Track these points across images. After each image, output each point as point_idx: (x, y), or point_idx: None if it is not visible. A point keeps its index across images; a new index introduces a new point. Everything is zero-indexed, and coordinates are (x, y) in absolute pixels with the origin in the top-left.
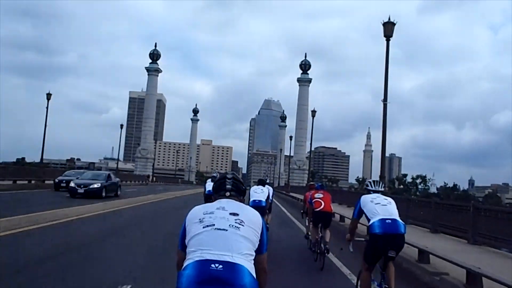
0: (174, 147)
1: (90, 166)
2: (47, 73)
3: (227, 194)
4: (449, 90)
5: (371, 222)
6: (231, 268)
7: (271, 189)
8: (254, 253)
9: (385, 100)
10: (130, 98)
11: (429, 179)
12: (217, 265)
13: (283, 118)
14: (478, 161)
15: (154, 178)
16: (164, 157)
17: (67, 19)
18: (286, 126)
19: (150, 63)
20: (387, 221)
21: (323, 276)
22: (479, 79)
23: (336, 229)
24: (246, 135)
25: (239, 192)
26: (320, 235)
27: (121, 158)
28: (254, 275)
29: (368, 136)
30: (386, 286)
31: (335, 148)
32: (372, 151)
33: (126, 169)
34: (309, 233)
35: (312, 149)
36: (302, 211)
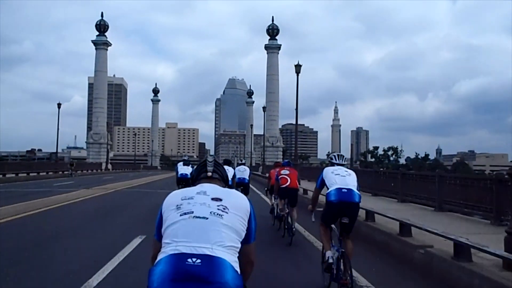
0: (139, 131)
1: (51, 156)
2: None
3: (209, 174)
4: (410, 61)
5: (328, 190)
6: (211, 262)
7: (247, 169)
8: (239, 244)
9: None
10: (89, 84)
11: (400, 150)
12: (194, 259)
13: (250, 94)
14: (443, 130)
15: (110, 166)
16: (129, 143)
17: (17, 6)
18: (253, 102)
19: (97, 36)
20: (343, 190)
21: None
22: (439, 49)
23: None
24: (212, 116)
25: (222, 178)
26: (287, 211)
27: (84, 146)
28: (238, 270)
29: (336, 111)
30: (343, 250)
31: (303, 125)
32: (340, 125)
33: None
34: (274, 207)
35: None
36: (266, 188)
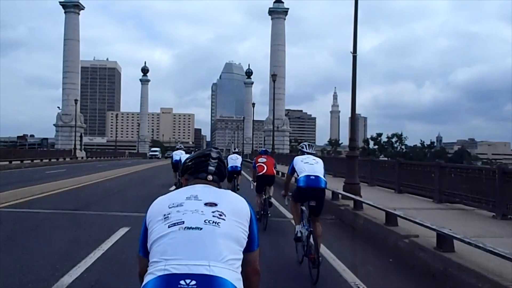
0: (133, 117)
1: (43, 142)
2: None
3: (210, 178)
4: (408, 48)
5: (298, 177)
6: (209, 284)
7: (240, 157)
8: (241, 255)
9: None
10: (81, 68)
11: (404, 137)
12: (188, 281)
13: (249, 74)
14: (439, 118)
15: (82, 153)
16: (122, 129)
17: None
18: (252, 83)
19: None
20: (311, 177)
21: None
22: (438, 36)
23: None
24: (208, 102)
25: (221, 177)
26: (264, 197)
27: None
28: None
29: (335, 97)
30: (312, 229)
31: (301, 111)
32: (339, 111)
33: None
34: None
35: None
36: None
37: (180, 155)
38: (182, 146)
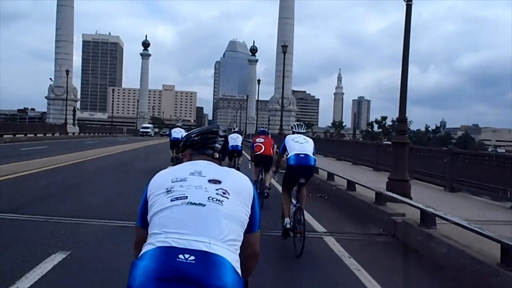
0: (134, 93)
1: (43, 116)
2: None
3: (216, 155)
4: (413, 32)
5: (288, 156)
6: (207, 260)
7: (240, 136)
8: (241, 237)
9: None
10: (83, 41)
11: (410, 122)
12: (187, 255)
13: (254, 51)
14: (442, 103)
15: (74, 128)
16: (123, 105)
17: None
18: (257, 60)
19: None
20: (300, 155)
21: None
22: (444, 20)
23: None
24: (211, 81)
25: (223, 156)
26: (261, 177)
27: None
28: (239, 271)
29: (339, 78)
30: (299, 205)
31: (304, 92)
32: (343, 93)
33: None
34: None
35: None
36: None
37: (181, 133)
38: (181, 124)
